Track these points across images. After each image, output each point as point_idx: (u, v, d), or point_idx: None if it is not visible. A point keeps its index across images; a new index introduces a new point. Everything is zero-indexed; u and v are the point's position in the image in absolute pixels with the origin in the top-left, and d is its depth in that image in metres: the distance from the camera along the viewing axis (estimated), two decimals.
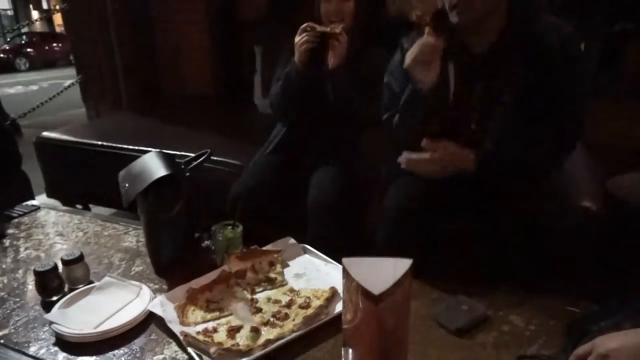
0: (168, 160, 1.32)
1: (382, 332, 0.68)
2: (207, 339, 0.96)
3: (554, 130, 1.23)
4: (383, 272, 0.68)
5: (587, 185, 1.53)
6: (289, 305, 1.07)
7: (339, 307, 1.03)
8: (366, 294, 0.65)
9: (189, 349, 0.93)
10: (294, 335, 0.96)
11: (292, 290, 1.13)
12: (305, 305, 1.05)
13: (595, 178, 1.60)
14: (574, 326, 0.93)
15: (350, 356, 0.75)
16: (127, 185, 1.29)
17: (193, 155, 1.39)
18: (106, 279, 1.18)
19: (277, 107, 1.75)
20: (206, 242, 1.36)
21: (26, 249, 1.43)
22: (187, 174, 1.32)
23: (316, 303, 1.04)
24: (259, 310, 1.06)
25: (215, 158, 1.91)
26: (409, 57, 1.24)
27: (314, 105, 1.70)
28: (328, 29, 1.55)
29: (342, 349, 0.77)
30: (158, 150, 1.36)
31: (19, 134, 4.34)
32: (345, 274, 0.70)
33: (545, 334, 0.96)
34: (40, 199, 2.18)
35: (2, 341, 1.01)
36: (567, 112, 1.24)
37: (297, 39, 1.58)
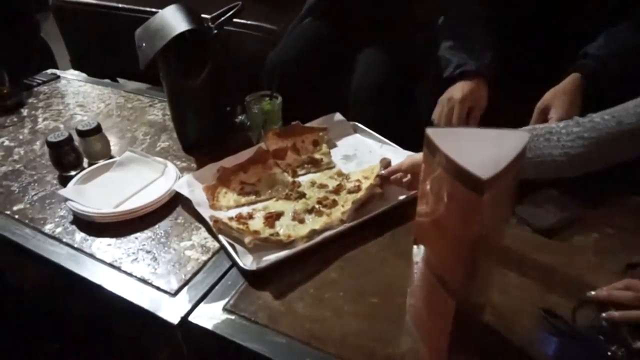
0: (192, 14, 1.07)
1: (478, 231, 0.48)
2: (241, 226, 0.81)
3: None
4: (486, 149, 0.47)
5: None
6: (336, 190, 0.89)
7: (396, 193, 0.85)
8: (467, 178, 0.44)
9: (220, 237, 0.79)
10: (343, 227, 0.80)
11: (340, 174, 0.95)
12: (356, 190, 0.87)
13: None
14: None
15: (426, 257, 0.57)
16: (144, 44, 1.07)
17: (220, 11, 1.13)
18: (127, 153, 1.03)
19: None
20: (240, 116, 1.17)
21: (44, 119, 1.29)
22: (215, 31, 1.08)
23: (367, 184, 0.86)
24: (302, 195, 0.89)
25: (246, 21, 1.64)
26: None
27: None
28: None
29: (414, 247, 0.59)
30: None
31: None
32: (431, 148, 0.49)
33: None
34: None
35: (17, 216, 0.91)
36: None
37: None
